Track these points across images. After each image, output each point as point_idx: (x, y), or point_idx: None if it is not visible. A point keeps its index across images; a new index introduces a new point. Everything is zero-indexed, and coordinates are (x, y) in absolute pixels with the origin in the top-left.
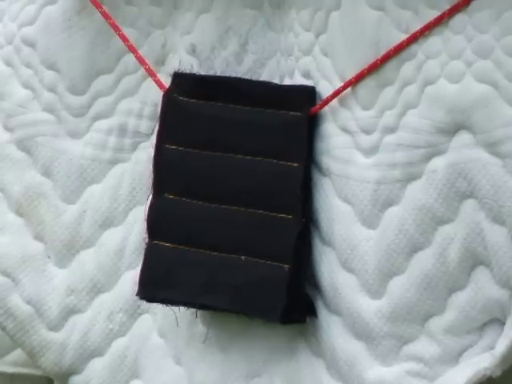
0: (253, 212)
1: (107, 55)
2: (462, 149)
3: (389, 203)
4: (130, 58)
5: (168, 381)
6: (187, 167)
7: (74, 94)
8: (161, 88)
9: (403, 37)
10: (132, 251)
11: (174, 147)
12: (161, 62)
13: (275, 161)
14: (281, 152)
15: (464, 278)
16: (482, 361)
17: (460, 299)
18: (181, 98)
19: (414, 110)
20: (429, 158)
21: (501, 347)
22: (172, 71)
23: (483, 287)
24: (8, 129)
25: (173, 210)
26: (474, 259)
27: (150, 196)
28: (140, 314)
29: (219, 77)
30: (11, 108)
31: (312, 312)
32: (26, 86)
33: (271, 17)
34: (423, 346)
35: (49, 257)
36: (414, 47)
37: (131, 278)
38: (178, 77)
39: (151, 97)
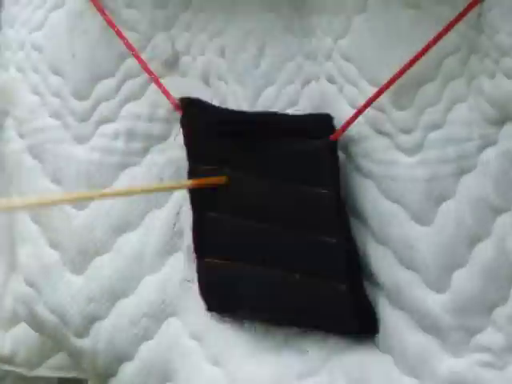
0: (297, 233)
1: (109, 58)
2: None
3: (442, 198)
4: (134, 62)
5: (205, 382)
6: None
7: (78, 99)
8: (165, 94)
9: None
10: (153, 255)
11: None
12: (169, 64)
13: (306, 186)
14: (309, 178)
15: None
16: None
17: None
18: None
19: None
20: (481, 149)
21: None
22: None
23: None
24: (21, 136)
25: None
26: None
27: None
28: (166, 317)
29: (234, 114)
30: (23, 115)
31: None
32: (35, 92)
33: (290, 20)
34: (490, 336)
35: (65, 264)
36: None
37: (153, 282)
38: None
39: (162, 99)
